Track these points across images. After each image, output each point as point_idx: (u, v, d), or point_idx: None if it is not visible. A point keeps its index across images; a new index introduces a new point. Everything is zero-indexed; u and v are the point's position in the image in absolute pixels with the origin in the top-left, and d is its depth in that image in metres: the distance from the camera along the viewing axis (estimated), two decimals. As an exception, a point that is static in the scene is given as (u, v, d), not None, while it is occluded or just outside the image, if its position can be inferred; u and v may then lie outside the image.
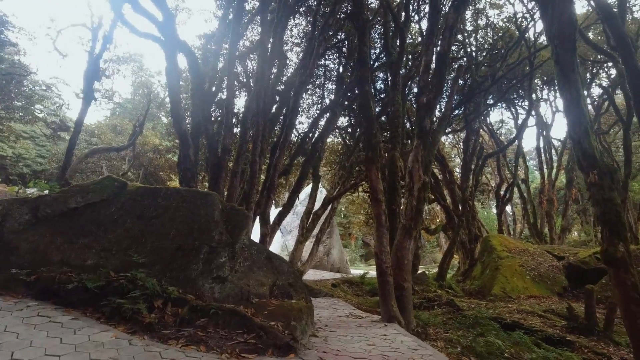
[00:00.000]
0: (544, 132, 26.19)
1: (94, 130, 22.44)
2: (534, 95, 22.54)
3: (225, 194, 10.74)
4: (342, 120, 26.56)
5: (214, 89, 13.17)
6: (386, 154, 12.59)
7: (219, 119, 13.72)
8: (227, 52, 10.81)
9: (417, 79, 10.98)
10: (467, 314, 10.92)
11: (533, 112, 24.16)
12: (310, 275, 19.00)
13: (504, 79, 16.80)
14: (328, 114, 14.05)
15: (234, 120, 12.68)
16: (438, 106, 8.13)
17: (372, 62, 14.96)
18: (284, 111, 11.49)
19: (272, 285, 5.79)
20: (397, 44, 11.93)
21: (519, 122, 25.15)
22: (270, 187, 10.23)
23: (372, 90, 14.55)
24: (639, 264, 13.74)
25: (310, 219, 14.83)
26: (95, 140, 20.01)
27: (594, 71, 23.17)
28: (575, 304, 13.94)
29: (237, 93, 17.68)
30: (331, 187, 15.86)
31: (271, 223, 13.55)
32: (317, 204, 15.99)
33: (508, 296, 14.24)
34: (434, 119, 8.34)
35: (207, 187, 10.52)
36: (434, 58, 8.53)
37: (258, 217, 10.66)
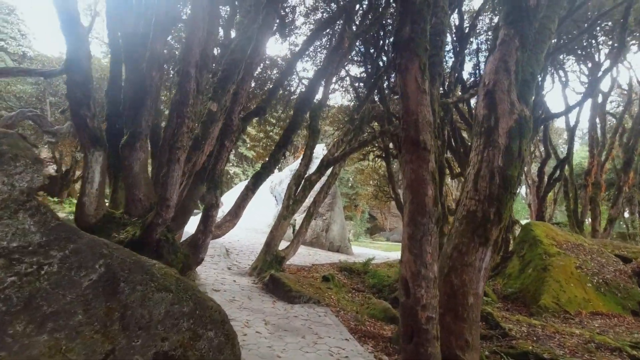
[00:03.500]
0: (600, 101, 21.45)
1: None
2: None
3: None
4: (356, 72, 22.02)
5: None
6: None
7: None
8: None
9: None
10: (523, 348, 7.13)
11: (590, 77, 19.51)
12: (301, 255, 15.28)
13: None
14: (335, 36, 9.72)
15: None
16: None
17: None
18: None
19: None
20: None
21: (566, 87, 20.46)
22: (226, 131, 6.24)
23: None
24: None
25: (300, 186, 10.87)
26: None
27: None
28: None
29: None
30: (333, 146, 11.78)
31: (244, 188, 9.69)
32: (314, 167, 12.01)
33: (564, 310, 10.37)
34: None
35: (125, 120, 6.53)
36: None
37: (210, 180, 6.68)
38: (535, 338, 7.81)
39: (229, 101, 6.32)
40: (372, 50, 16.99)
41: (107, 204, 7.38)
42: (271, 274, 8.75)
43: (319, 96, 12.47)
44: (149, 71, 6.18)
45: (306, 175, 10.97)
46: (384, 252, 23.51)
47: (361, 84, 18.45)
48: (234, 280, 9.20)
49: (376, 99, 14.95)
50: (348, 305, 8.89)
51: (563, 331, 8.41)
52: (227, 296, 7.61)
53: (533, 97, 3.44)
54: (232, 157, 37.07)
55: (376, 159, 21.86)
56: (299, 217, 15.29)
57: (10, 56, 23.47)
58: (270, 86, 10.26)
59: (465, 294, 2.88)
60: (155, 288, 2.45)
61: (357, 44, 15.80)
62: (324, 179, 12.12)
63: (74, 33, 5.32)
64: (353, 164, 29.82)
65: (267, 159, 11.29)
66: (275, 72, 13.82)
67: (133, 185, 6.13)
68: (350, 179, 38.98)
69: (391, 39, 16.50)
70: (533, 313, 10.37)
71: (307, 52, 14.26)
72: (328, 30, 15.45)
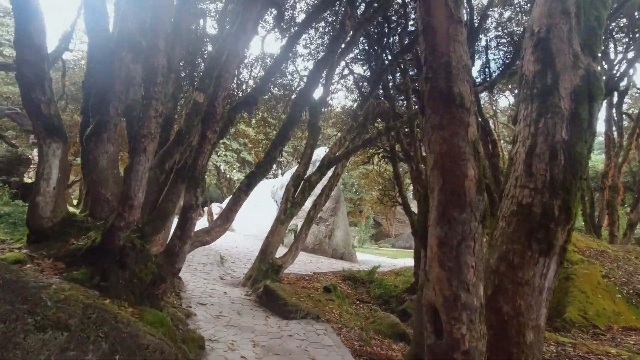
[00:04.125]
0: (617, 99, 20.42)
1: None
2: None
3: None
4: (359, 70, 21.35)
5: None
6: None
7: None
8: None
9: None
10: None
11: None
12: (302, 263, 14.33)
13: None
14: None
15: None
16: None
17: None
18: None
19: None
20: None
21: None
22: (208, 120, 5.39)
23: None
24: None
25: (299, 187, 9.97)
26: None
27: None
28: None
29: None
30: (335, 145, 10.87)
31: (236, 190, 8.84)
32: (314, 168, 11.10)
33: (592, 324, 9.33)
34: None
35: (90, 108, 5.68)
36: None
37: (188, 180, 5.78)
38: (567, 359, 6.80)
39: (212, 85, 5.46)
40: (376, 48, 16.24)
41: (80, 208, 6.52)
42: (265, 285, 7.82)
43: (319, 92, 11.63)
44: (118, 51, 5.34)
45: (306, 176, 10.07)
46: (389, 259, 22.47)
47: (365, 83, 17.67)
48: (225, 292, 8.28)
49: (382, 98, 14.08)
50: (352, 320, 7.93)
51: (597, 350, 7.36)
52: (213, 311, 6.69)
53: (601, 50, 2.55)
54: (234, 162, 36.28)
55: (381, 161, 20.93)
56: (300, 223, 14.41)
57: (4, 58, 22.98)
58: (263, 74, 9.35)
59: (521, 327, 1.96)
60: (34, 325, 1.52)
61: (361, 40, 15.07)
62: (325, 180, 11.23)
63: (24, 1, 4.50)
64: (357, 168, 28.86)
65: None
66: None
67: (99, 183, 5.26)
68: (355, 183, 38.06)
69: (396, 37, 15.74)
70: (558, 328, 9.31)
71: (306, 47, 13.45)
72: (328, 22, 14.69)
